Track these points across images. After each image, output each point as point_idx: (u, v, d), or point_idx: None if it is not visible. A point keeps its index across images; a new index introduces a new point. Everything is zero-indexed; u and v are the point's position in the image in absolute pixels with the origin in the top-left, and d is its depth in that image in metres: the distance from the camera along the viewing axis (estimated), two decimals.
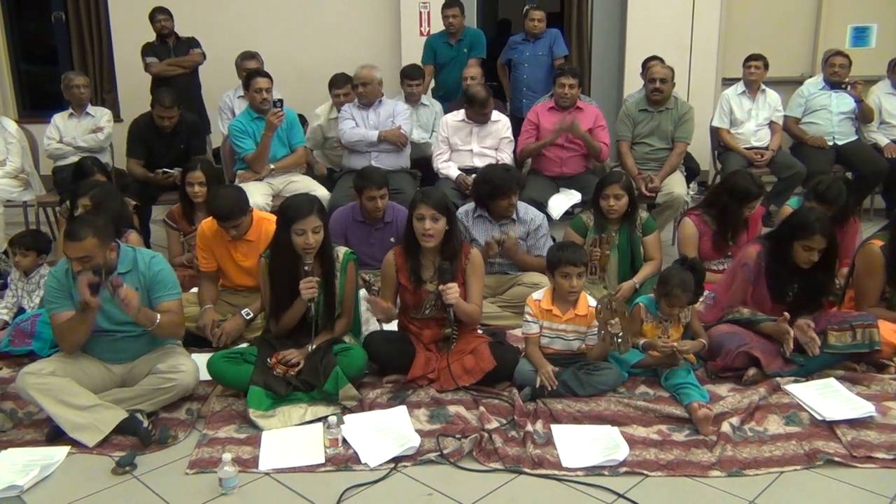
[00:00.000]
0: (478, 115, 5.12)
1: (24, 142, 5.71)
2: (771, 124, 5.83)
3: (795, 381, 3.18)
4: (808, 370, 3.25)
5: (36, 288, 4.06)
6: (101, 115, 5.78)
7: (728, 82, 6.25)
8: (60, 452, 2.81)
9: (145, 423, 2.89)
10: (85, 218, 3.14)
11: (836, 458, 2.68)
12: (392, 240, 4.21)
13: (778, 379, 3.18)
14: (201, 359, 3.24)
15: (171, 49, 6.38)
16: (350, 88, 5.45)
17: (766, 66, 5.81)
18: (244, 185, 4.60)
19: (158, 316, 3.01)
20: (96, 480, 2.67)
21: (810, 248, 3.24)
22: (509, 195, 4.06)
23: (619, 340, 3.06)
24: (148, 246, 4.57)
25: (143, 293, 3.05)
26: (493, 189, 4.08)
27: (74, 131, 5.67)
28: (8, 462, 2.76)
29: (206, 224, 3.86)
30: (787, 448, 2.76)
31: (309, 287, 3.16)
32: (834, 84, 5.82)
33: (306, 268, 3.17)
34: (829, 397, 3.05)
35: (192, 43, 6.44)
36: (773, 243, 3.40)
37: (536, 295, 3.28)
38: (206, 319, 3.69)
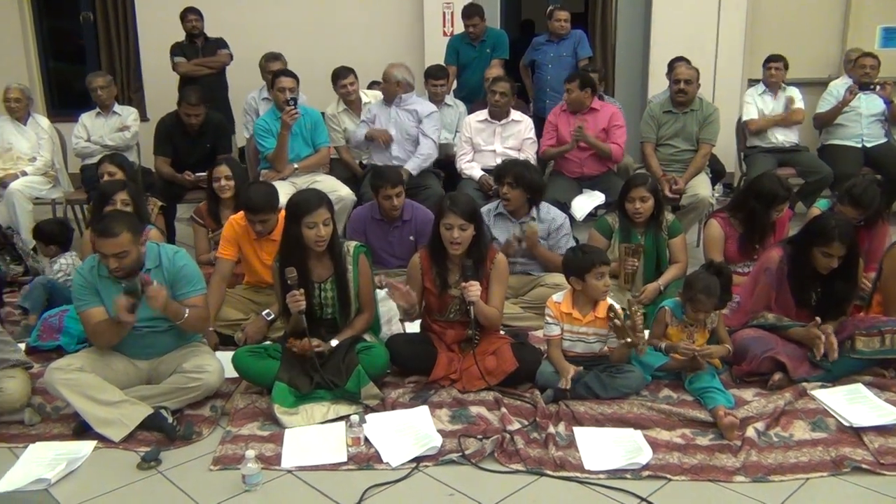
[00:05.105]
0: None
1: (56, 137, 5.81)
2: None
3: (822, 387, 3.14)
4: (836, 376, 3.20)
5: (53, 273, 4.21)
6: (128, 114, 5.85)
7: (754, 83, 6.19)
8: (87, 447, 2.85)
9: (170, 420, 2.93)
10: (114, 214, 3.19)
11: (864, 466, 2.65)
12: (411, 238, 4.23)
13: (804, 384, 3.14)
14: (225, 356, 3.27)
15: (199, 49, 6.45)
16: (354, 78, 5.63)
17: (786, 67, 5.78)
18: None
19: (187, 310, 3.04)
20: (122, 475, 2.70)
21: (829, 255, 3.20)
22: (503, 180, 4.08)
23: (638, 343, 3.04)
24: (172, 244, 4.63)
25: (167, 289, 3.08)
26: (496, 171, 4.28)
27: (101, 130, 5.74)
28: (36, 456, 2.81)
29: (237, 218, 3.91)
30: (813, 454, 2.73)
31: (295, 300, 3.12)
32: (863, 85, 5.74)
33: (289, 281, 3.12)
34: (856, 403, 3.01)
35: (221, 44, 6.50)
36: (794, 248, 3.36)
37: (556, 297, 3.26)
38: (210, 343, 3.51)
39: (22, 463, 2.77)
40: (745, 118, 5.85)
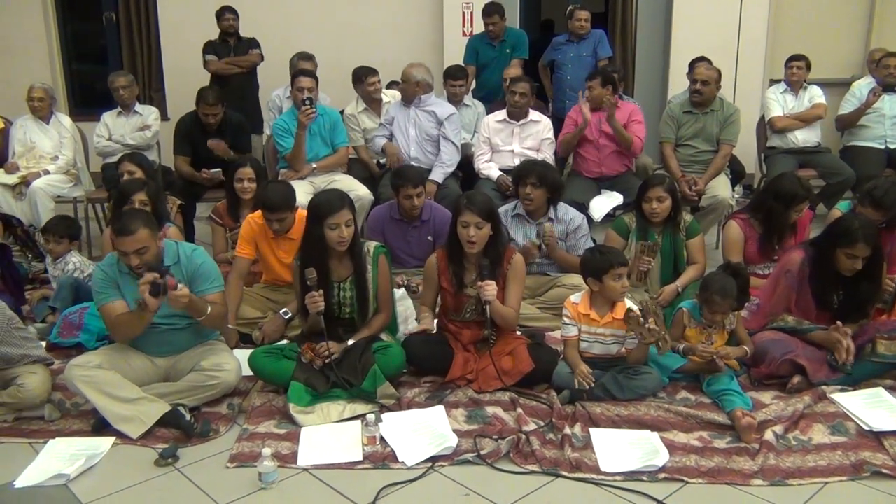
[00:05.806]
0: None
1: (77, 136, 5.88)
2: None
3: (842, 390, 3.11)
4: (856, 379, 3.17)
5: (62, 273, 4.21)
6: (149, 113, 5.90)
7: (776, 84, 6.14)
8: (106, 443, 2.88)
9: (188, 417, 2.95)
10: (131, 212, 3.22)
11: (884, 470, 2.61)
12: (430, 238, 4.24)
13: (824, 387, 3.11)
14: (243, 355, 3.29)
15: (231, 48, 6.49)
16: (376, 77, 5.65)
17: (809, 67, 5.74)
18: None
19: (210, 307, 3.06)
20: (140, 471, 2.73)
21: (853, 256, 3.17)
22: (525, 180, 4.08)
23: (660, 341, 3.02)
24: (191, 243, 4.66)
25: (185, 286, 3.10)
26: (516, 171, 4.26)
27: (123, 129, 5.79)
28: (55, 451, 2.84)
29: (254, 217, 3.93)
30: (832, 458, 2.70)
31: (314, 301, 3.14)
32: (887, 86, 5.67)
33: (308, 282, 3.13)
34: (876, 407, 2.98)
35: (253, 44, 6.54)
36: (817, 250, 3.32)
37: (574, 298, 3.25)
38: (231, 342, 3.59)
39: (42, 458, 2.80)
40: (769, 115, 5.79)
